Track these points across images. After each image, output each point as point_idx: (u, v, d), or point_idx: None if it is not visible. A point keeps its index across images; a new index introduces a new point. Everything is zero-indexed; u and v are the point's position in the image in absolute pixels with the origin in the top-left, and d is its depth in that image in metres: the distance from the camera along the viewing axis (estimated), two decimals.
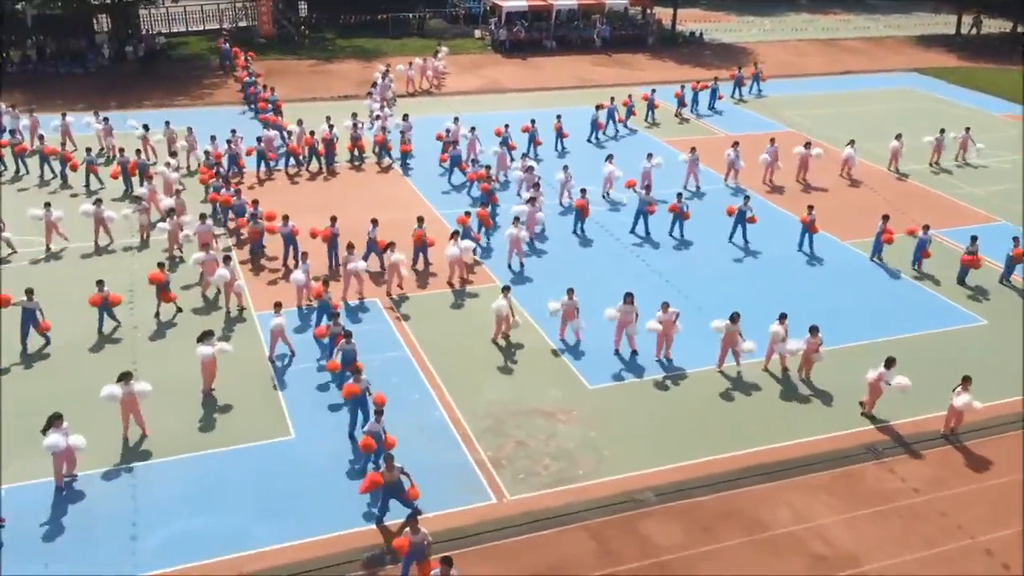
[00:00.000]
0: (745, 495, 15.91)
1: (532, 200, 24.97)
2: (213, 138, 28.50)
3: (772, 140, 30.68)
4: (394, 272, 21.91)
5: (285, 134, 30.83)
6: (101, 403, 16.19)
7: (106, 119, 30.51)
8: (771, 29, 56.41)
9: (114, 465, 15.89)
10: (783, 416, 18.16)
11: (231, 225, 25.01)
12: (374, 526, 14.76)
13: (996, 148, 34.24)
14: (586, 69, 45.46)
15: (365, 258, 22.33)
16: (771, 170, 30.09)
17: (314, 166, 30.11)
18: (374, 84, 36.39)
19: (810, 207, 25.32)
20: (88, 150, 28.15)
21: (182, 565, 13.84)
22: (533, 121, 31.06)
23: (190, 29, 48.11)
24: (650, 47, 50.42)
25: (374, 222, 22.85)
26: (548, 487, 15.90)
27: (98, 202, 24.06)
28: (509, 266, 23.70)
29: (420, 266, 23.36)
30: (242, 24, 48.35)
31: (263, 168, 29.36)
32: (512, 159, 29.56)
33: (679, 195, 26.25)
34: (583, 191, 25.72)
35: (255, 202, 24.02)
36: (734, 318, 18.99)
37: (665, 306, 19.38)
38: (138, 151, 27.91)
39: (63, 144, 29.11)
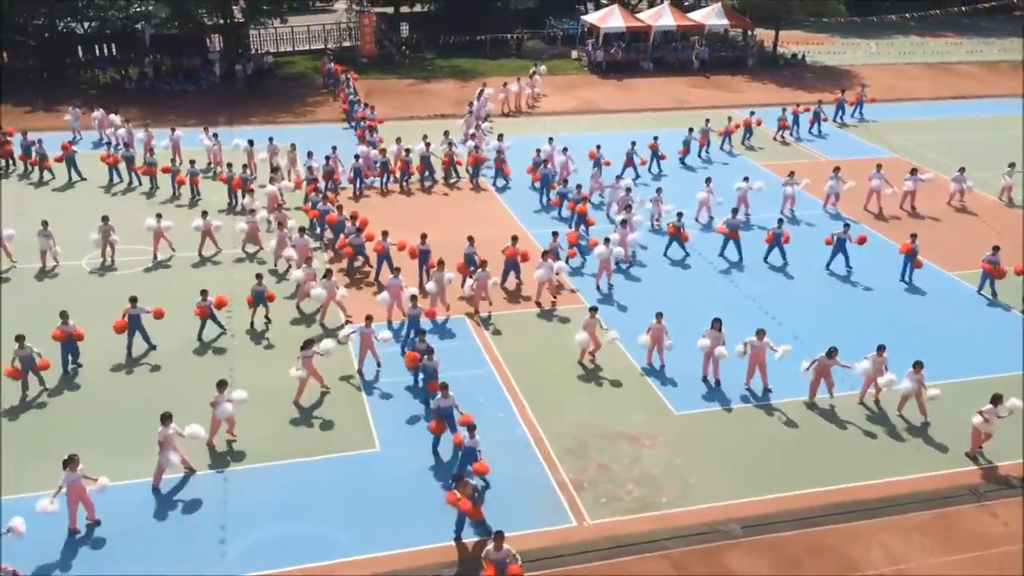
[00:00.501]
0: (835, 532, 15.37)
1: (624, 222, 24.85)
2: (310, 154, 29.35)
3: (879, 166, 29.75)
4: (482, 290, 22.11)
5: (376, 152, 31.38)
6: (198, 407, 16.75)
7: (215, 135, 31.76)
8: (877, 52, 54.90)
9: (208, 469, 16.42)
10: (878, 452, 17.50)
11: (327, 237, 25.63)
12: (454, 542, 14.83)
13: None
14: (682, 91, 45.11)
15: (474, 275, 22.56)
16: (877, 197, 29.21)
17: (409, 183, 30.68)
18: (471, 104, 36.92)
19: (913, 236, 24.45)
20: (192, 162, 29.32)
21: (267, 570, 14.17)
22: (599, 146, 30.62)
23: (296, 49, 49.83)
24: (749, 69, 49.71)
25: (471, 239, 23.10)
26: (630, 512, 15.70)
27: (204, 214, 25.07)
28: (598, 287, 23.60)
29: (511, 284, 23.50)
30: (346, 44, 49.77)
31: (360, 184, 30.04)
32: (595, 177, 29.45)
33: (780, 221, 25.68)
34: (679, 215, 25.46)
35: (353, 217, 24.58)
36: (831, 353, 18.42)
37: (760, 333, 18.97)
38: (244, 166, 28.95)
39: (172, 159, 30.45)
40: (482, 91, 38.42)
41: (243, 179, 28.13)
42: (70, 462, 14.58)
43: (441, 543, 14.80)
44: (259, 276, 21.52)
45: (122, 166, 30.22)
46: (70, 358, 19.23)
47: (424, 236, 23.22)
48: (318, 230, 25.77)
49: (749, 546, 15.01)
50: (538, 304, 22.74)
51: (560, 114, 40.34)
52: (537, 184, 30.00)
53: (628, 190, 27.74)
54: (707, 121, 34.67)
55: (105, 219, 24.20)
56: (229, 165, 28.90)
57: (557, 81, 44.80)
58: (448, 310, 21.99)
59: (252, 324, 21.22)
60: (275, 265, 23.79)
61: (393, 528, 15.09)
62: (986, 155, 34.13)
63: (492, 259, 22.72)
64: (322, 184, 28.14)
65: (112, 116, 33.72)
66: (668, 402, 18.85)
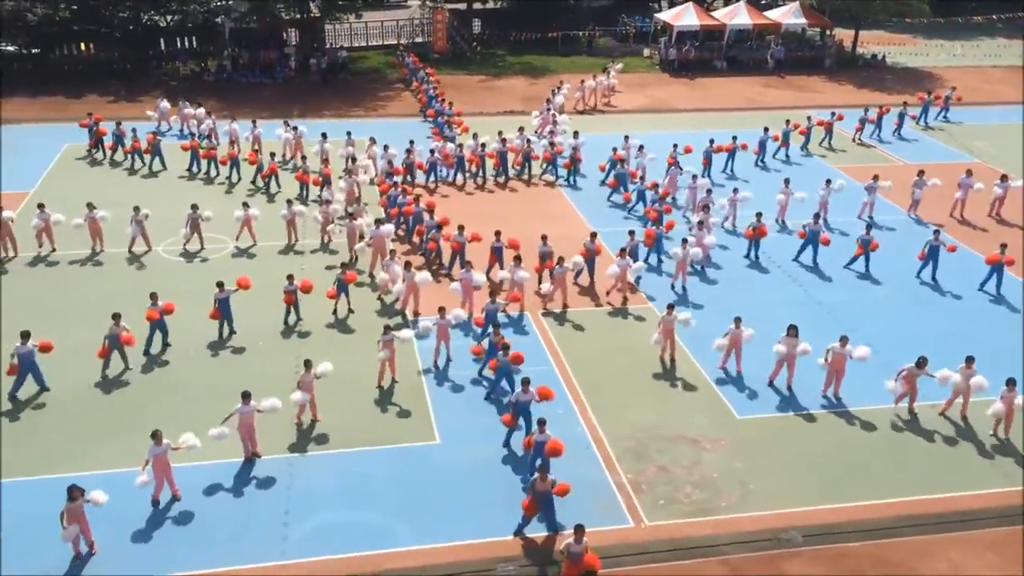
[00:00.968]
0: (902, 545, 14.96)
1: (701, 223, 24.58)
2: (386, 147, 29.68)
3: (969, 172, 28.79)
4: (559, 287, 22.10)
5: (452, 147, 31.59)
6: (272, 391, 17.10)
7: (295, 128, 32.32)
8: (961, 54, 53.14)
9: (275, 454, 16.75)
10: (952, 465, 16.97)
11: (402, 231, 25.96)
12: (512, 536, 14.86)
13: None
14: (756, 91, 44.37)
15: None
16: (962, 203, 28.34)
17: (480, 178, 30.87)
18: (548, 100, 36.90)
19: (1003, 245, 23.62)
20: (272, 155, 29.92)
21: (327, 556, 14.41)
22: (675, 146, 30.33)
23: (370, 44, 50.47)
24: (827, 69, 48.62)
25: (544, 238, 23.09)
26: (688, 516, 15.52)
27: (288, 203, 25.68)
28: (672, 286, 23.38)
29: (583, 280, 23.42)
30: (418, 40, 50.22)
31: (435, 178, 30.33)
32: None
33: (868, 227, 25.02)
34: (758, 215, 25.06)
35: (431, 209, 24.79)
36: (920, 363, 17.93)
37: (844, 340, 18.51)
38: (325, 160, 29.42)
39: (258, 151, 31.17)
40: (560, 87, 38.36)
41: (306, 171, 28.48)
42: (156, 436, 15.13)
43: (496, 537, 14.85)
44: (343, 265, 21.98)
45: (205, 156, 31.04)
46: (161, 337, 19.93)
47: (498, 233, 23.30)
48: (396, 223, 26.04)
49: (810, 555, 14.71)
50: (609, 303, 22.60)
51: (631, 112, 40.05)
52: (612, 183, 29.91)
53: (708, 191, 27.42)
54: (788, 122, 34.02)
55: (194, 207, 24.91)
56: (304, 158, 29.45)
57: (628, 79, 44.46)
58: (521, 307, 22.08)
59: (335, 312, 21.60)
60: (351, 259, 24.08)
61: (449, 521, 15.19)
62: None
63: (566, 256, 22.67)
64: (398, 177, 28.44)
65: (198, 110, 34.53)
66: (731, 406, 18.58)
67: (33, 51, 43.08)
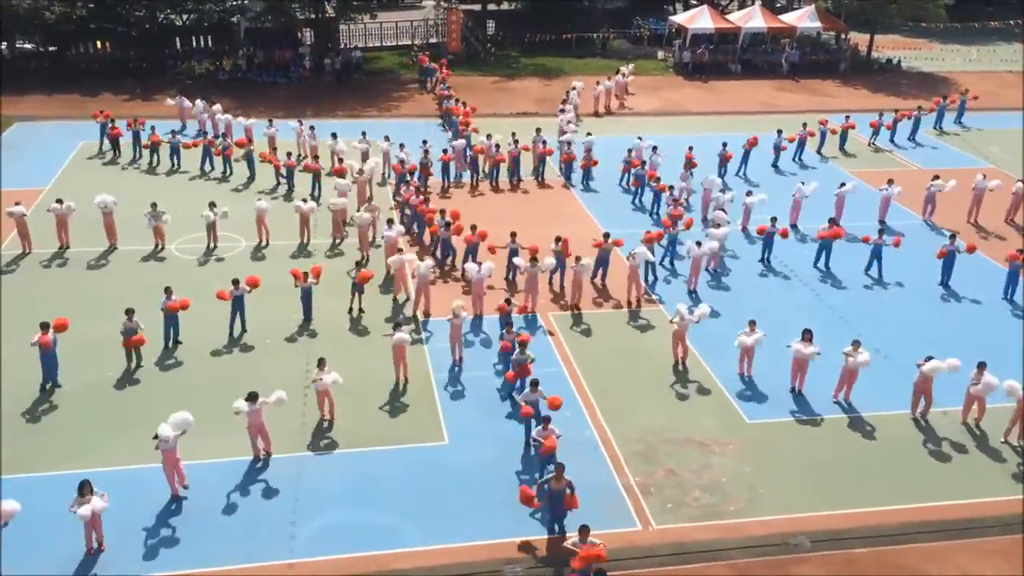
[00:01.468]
0: (911, 552, 14.89)
1: (717, 225, 24.50)
2: (402, 145, 29.74)
3: (984, 176, 28.66)
4: (578, 286, 22.12)
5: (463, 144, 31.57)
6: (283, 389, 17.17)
7: (312, 127, 32.38)
8: (977, 59, 52.82)
9: (284, 452, 16.81)
10: (960, 471, 16.89)
11: (414, 230, 26.06)
12: (521, 538, 14.86)
13: None
14: (770, 94, 44.23)
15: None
16: (978, 206, 28.19)
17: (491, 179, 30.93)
18: (564, 101, 36.82)
19: (1021, 251, 23.47)
20: (288, 154, 30.03)
21: (334, 555, 14.44)
22: (691, 148, 30.40)
23: (384, 44, 50.57)
24: (841, 73, 48.41)
25: (558, 239, 23.10)
26: (696, 520, 15.49)
27: (304, 200, 25.84)
28: (689, 291, 23.34)
29: (598, 281, 23.46)
30: (432, 41, 50.29)
31: (448, 178, 30.41)
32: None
33: (880, 231, 24.93)
34: (773, 220, 24.99)
35: (442, 211, 24.92)
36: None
37: (856, 344, 18.46)
38: (340, 159, 29.48)
39: (274, 149, 31.25)
40: (573, 88, 38.33)
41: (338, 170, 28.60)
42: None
43: (504, 539, 14.86)
44: (358, 263, 22.13)
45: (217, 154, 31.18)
46: (172, 334, 20.08)
47: (513, 235, 23.32)
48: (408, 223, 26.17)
49: (818, 561, 14.66)
50: (628, 304, 22.61)
51: (644, 115, 40.00)
52: (629, 183, 30.04)
53: (722, 191, 27.36)
54: (804, 125, 33.92)
55: (212, 205, 25.05)
56: (316, 157, 29.54)
57: (642, 82, 44.40)
58: (534, 307, 22.13)
59: (351, 310, 21.72)
60: (362, 257, 24.11)
61: (457, 522, 15.22)
62: None
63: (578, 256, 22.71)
64: (410, 177, 28.51)
65: (214, 107, 34.68)
66: (740, 410, 18.54)
67: (50, 49, 43.42)
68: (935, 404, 18.27)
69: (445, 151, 30.50)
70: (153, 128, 31.72)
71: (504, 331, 19.15)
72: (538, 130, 32.10)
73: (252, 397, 16.27)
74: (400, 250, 23.03)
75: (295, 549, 14.55)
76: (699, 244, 23.22)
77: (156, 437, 15.14)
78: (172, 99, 35.59)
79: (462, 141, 31.22)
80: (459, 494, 15.88)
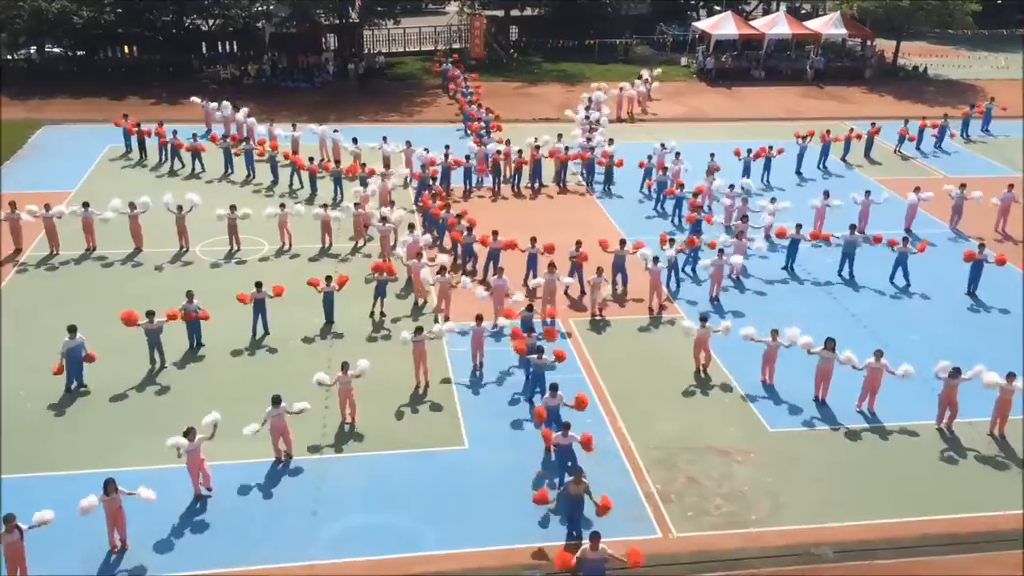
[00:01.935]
0: (935, 564, 14.72)
1: (740, 234, 24.37)
2: (427, 150, 29.80)
3: (1010, 186, 28.30)
4: (597, 293, 22.12)
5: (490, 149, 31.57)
6: (304, 391, 17.26)
7: (336, 131, 32.51)
8: (1006, 66, 52.24)
9: (306, 454, 16.88)
10: (990, 484, 16.65)
11: (433, 234, 26.06)
12: (539, 544, 14.81)
13: None
14: (794, 101, 44.00)
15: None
16: (1004, 218, 27.90)
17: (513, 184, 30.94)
18: (587, 107, 36.82)
19: None
20: (311, 159, 30.20)
21: (354, 558, 14.48)
22: (712, 155, 30.16)
23: (407, 49, 50.79)
24: (867, 80, 48.07)
25: (578, 244, 23.08)
26: (717, 528, 15.39)
27: (324, 207, 25.99)
28: (712, 298, 23.22)
29: (618, 287, 23.42)
30: (455, 46, 50.44)
31: (470, 183, 30.47)
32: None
33: (905, 239, 24.72)
34: (798, 226, 24.81)
35: (460, 216, 24.92)
36: (953, 374, 17.68)
37: (879, 354, 18.30)
38: (363, 164, 29.68)
39: (295, 152, 31.42)
40: (595, 91, 38.32)
41: (360, 174, 28.61)
42: (189, 433, 15.33)
43: (523, 544, 14.82)
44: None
45: (240, 157, 31.43)
46: (195, 337, 20.21)
47: (533, 239, 23.31)
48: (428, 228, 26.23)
49: (841, 572, 14.52)
50: (651, 309, 22.54)
51: (667, 121, 39.88)
52: (648, 190, 29.99)
53: (745, 199, 27.24)
54: (828, 132, 33.69)
55: (232, 208, 25.22)
56: (337, 162, 29.71)
57: (665, 88, 44.27)
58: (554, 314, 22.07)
59: (372, 314, 21.79)
60: (384, 260, 24.16)
61: (476, 526, 15.20)
62: None
63: (595, 263, 22.64)
64: (432, 182, 28.57)
65: (238, 113, 34.88)
66: (763, 418, 18.41)
67: (78, 53, 43.95)
68: (961, 414, 18.05)
69: (467, 156, 30.55)
70: (175, 132, 31.96)
71: (526, 336, 19.11)
72: (559, 136, 32.09)
73: (276, 401, 16.33)
74: (420, 255, 23.07)
75: (316, 551, 14.58)
76: (722, 252, 23.09)
77: (189, 432, 15.30)
78: (200, 100, 35.85)
79: (493, 145, 31.17)
80: (478, 498, 15.86)
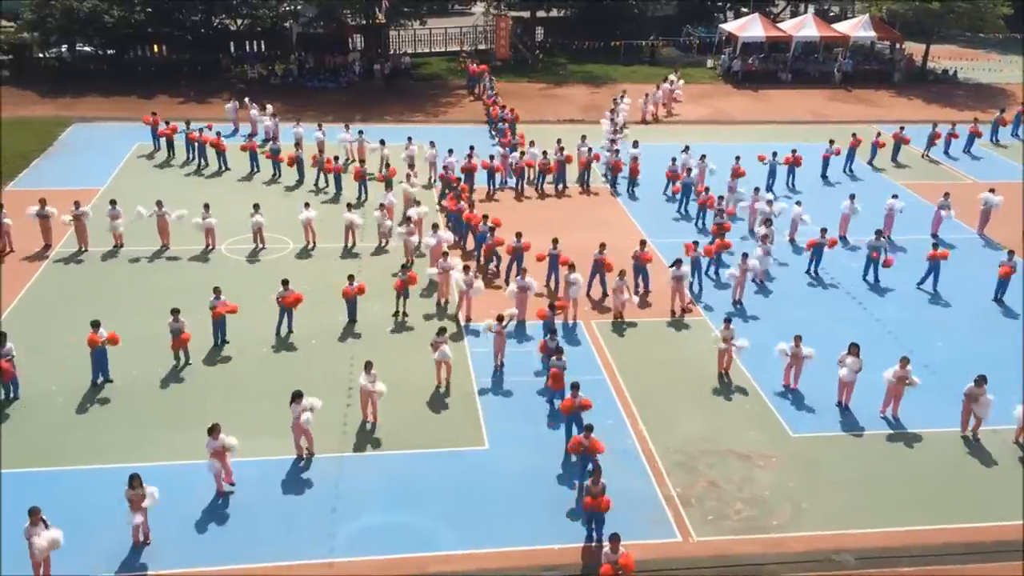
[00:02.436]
0: (956, 573, 14.54)
1: (764, 237, 24.27)
2: (451, 151, 29.89)
3: None
4: (619, 297, 22.05)
5: (518, 153, 31.59)
6: (326, 390, 17.34)
7: (360, 132, 32.71)
8: None
9: (326, 452, 16.95)
10: (1017, 492, 16.40)
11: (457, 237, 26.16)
12: (558, 545, 14.81)
13: None
14: (821, 104, 43.68)
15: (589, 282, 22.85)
16: None
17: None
18: (612, 109, 36.82)
19: None
20: (335, 158, 30.37)
21: (372, 556, 14.53)
22: (737, 158, 29.97)
23: (433, 50, 50.94)
24: (895, 84, 47.62)
25: (602, 246, 23.05)
26: (738, 533, 15.30)
27: (349, 207, 26.20)
28: (734, 302, 23.10)
29: (640, 290, 23.39)
30: (481, 47, 50.53)
31: (493, 184, 30.52)
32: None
33: (935, 245, 24.45)
34: (823, 231, 24.65)
35: (484, 216, 25.00)
36: (979, 381, 17.48)
37: (904, 361, 18.12)
38: (387, 164, 29.79)
39: (320, 152, 31.63)
40: (622, 96, 38.24)
41: (384, 176, 28.89)
42: (213, 430, 15.47)
43: (541, 545, 14.82)
44: (404, 267, 22.27)
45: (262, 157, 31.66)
46: (220, 334, 20.42)
47: (555, 241, 23.31)
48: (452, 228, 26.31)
49: None
50: (673, 312, 22.46)
51: (692, 123, 39.72)
52: (672, 193, 29.88)
53: (769, 203, 27.10)
54: (854, 135, 33.45)
55: (256, 207, 25.43)
56: (362, 161, 29.86)
57: (691, 90, 44.09)
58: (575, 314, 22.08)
59: (396, 313, 21.91)
60: (407, 261, 24.23)
61: (495, 527, 15.21)
62: None
63: (619, 266, 22.56)
64: (456, 183, 28.61)
65: (263, 113, 35.12)
66: (785, 423, 18.28)
67: (108, 52, 44.48)
68: (987, 422, 17.83)
69: (491, 156, 30.60)
70: (201, 130, 32.27)
71: (548, 337, 19.15)
72: (583, 137, 32.07)
73: (296, 397, 16.45)
74: (446, 254, 23.14)
75: (334, 548, 14.66)
76: (745, 256, 22.99)
77: (214, 428, 15.45)
78: (230, 103, 36.18)
79: (516, 155, 31.19)
80: (498, 499, 15.88)
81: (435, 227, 24.50)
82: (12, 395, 18.18)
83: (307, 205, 25.93)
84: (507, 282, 23.20)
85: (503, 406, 18.63)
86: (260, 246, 25.51)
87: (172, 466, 16.11)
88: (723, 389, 19.43)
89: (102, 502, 14.64)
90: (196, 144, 32.06)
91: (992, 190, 27.88)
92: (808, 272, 24.86)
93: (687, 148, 31.16)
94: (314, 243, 25.83)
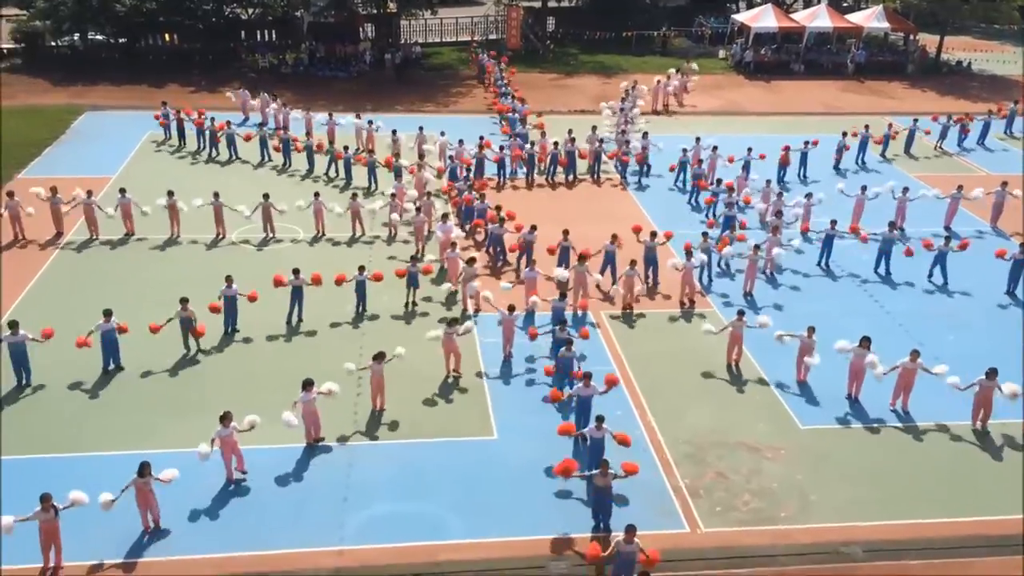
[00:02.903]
0: (964, 566, 14.50)
1: (775, 228, 24.18)
2: (461, 141, 29.86)
3: None
4: (629, 287, 22.05)
5: (529, 145, 31.56)
6: (335, 378, 17.34)
7: (370, 121, 32.72)
8: None
9: (336, 441, 17.03)
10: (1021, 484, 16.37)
11: (467, 227, 26.20)
12: (566, 534, 14.84)
13: None
14: (833, 95, 43.44)
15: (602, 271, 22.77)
16: None
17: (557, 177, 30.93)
18: (623, 99, 36.68)
19: None
20: (345, 148, 30.41)
21: (381, 544, 14.59)
22: (749, 149, 29.85)
23: (444, 40, 50.85)
24: (909, 75, 47.30)
25: (614, 237, 23.02)
26: (746, 524, 15.30)
27: (354, 196, 26.17)
28: (746, 294, 23.05)
29: (650, 280, 23.35)
30: (492, 37, 50.41)
31: (504, 175, 30.46)
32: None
33: (947, 238, 24.29)
34: (833, 222, 24.55)
35: (498, 207, 24.95)
36: (990, 374, 17.42)
37: (914, 354, 18.05)
38: (397, 154, 29.80)
39: (331, 142, 31.67)
40: (634, 86, 38.10)
41: (395, 165, 28.89)
42: (225, 418, 15.54)
43: (549, 535, 14.85)
44: (413, 257, 22.29)
45: (270, 145, 31.70)
46: (230, 322, 20.51)
47: (566, 232, 23.28)
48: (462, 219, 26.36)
49: (870, 571, 14.37)
50: (682, 303, 22.43)
51: (704, 114, 39.58)
52: (682, 184, 29.80)
53: (780, 194, 26.97)
54: (866, 127, 33.24)
55: (266, 196, 25.48)
56: (371, 151, 29.86)
57: (702, 81, 43.87)
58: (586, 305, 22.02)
59: (406, 303, 21.94)
60: (417, 250, 24.25)
61: (503, 516, 15.25)
62: None
63: (628, 256, 22.64)
64: (468, 173, 28.61)
65: (274, 103, 35.12)
66: (794, 415, 18.25)
67: (120, 41, 44.59)
68: (995, 415, 17.77)
69: (501, 147, 30.56)
70: (213, 120, 32.34)
71: (556, 328, 19.15)
72: (594, 128, 31.99)
73: (307, 385, 16.50)
74: (454, 244, 23.14)
75: (344, 536, 14.73)
76: (757, 248, 22.91)
77: (225, 416, 15.54)
78: (233, 95, 36.25)
79: (521, 141, 31.13)
80: (506, 489, 15.91)
81: (445, 217, 24.47)
82: (24, 382, 18.31)
83: (317, 195, 25.92)
84: (518, 273, 23.19)
85: (511, 396, 18.66)
86: (271, 234, 25.56)
87: (182, 453, 16.16)
88: (732, 381, 19.40)
89: (112, 488, 14.70)
90: (208, 132, 32.11)
91: (1005, 183, 27.69)
92: (819, 264, 24.77)
93: (699, 139, 31.04)
94: (324, 231, 25.84)
